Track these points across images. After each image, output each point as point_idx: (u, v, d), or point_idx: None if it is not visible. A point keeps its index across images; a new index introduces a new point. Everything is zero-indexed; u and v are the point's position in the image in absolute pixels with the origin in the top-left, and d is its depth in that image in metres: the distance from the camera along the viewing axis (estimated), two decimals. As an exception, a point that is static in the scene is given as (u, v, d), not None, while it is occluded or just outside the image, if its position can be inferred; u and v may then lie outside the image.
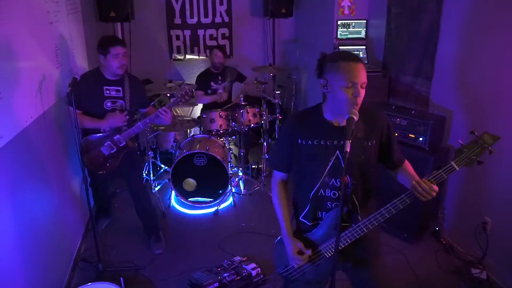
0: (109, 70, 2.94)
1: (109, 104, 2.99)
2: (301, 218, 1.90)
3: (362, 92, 1.66)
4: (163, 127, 4.20)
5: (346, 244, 1.77)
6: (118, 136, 2.97)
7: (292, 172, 1.91)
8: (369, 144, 1.77)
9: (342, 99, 1.65)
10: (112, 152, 3.00)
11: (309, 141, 1.77)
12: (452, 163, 1.59)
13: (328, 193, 1.80)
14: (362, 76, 1.64)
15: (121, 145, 3.00)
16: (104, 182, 3.38)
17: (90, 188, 3.32)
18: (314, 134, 1.76)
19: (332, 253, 1.80)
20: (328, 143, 1.74)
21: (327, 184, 1.78)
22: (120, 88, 3.00)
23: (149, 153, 4.17)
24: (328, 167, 1.75)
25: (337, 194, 1.78)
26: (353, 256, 1.85)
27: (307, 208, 1.86)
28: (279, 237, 1.96)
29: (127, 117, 3.02)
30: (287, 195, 1.93)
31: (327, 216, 1.80)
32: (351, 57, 1.67)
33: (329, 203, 1.81)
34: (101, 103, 2.97)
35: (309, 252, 1.82)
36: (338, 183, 1.76)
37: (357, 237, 1.75)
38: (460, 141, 1.62)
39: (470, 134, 1.59)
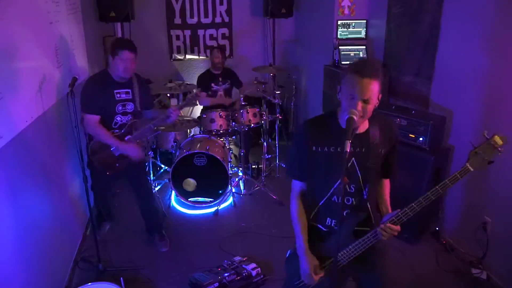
0: (115, 72, 2.96)
1: (120, 107, 3.00)
2: (311, 222, 1.90)
3: (366, 107, 1.64)
4: (163, 127, 4.20)
5: (366, 248, 1.78)
6: (129, 136, 3.03)
7: None
8: (380, 151, 1.80)
9: (344, 107, 1.69)
10: (122, 153, 3.04)
11: (325, 148, 1.76)
12: (467, 164, 1.63)
13: (340, 200, 1.79)
14: (363, 92, 1.61)
15: None
16: (107, 184, 3.36)
17: (91, 191, 3.31)
18: (330, 141, 1.76)
19: (347, 261, 1.82)
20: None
21: (340, 191, 1.77)
22: (129, 90, 3.03)
23: (149, 153, 4.17)
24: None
25: (350, 201, 1.81)
26: (369, 261, 1.86)
27: (313, 213, 1.88)
28: (289, 251, 1.97)
29: (143, 153, 3.09)
30: (304, 209, 1.90)
31: (342, 226, 1.77)
32: (359, 71, 1.63)
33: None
34: (113, 108, 2.99)
35: (321, 274, 1.84)
36: (352, 189, 1.79)
37: (375, 241, 1.76)
38: (472, 143, 1.64)
39: (482, 136, 1.63)
